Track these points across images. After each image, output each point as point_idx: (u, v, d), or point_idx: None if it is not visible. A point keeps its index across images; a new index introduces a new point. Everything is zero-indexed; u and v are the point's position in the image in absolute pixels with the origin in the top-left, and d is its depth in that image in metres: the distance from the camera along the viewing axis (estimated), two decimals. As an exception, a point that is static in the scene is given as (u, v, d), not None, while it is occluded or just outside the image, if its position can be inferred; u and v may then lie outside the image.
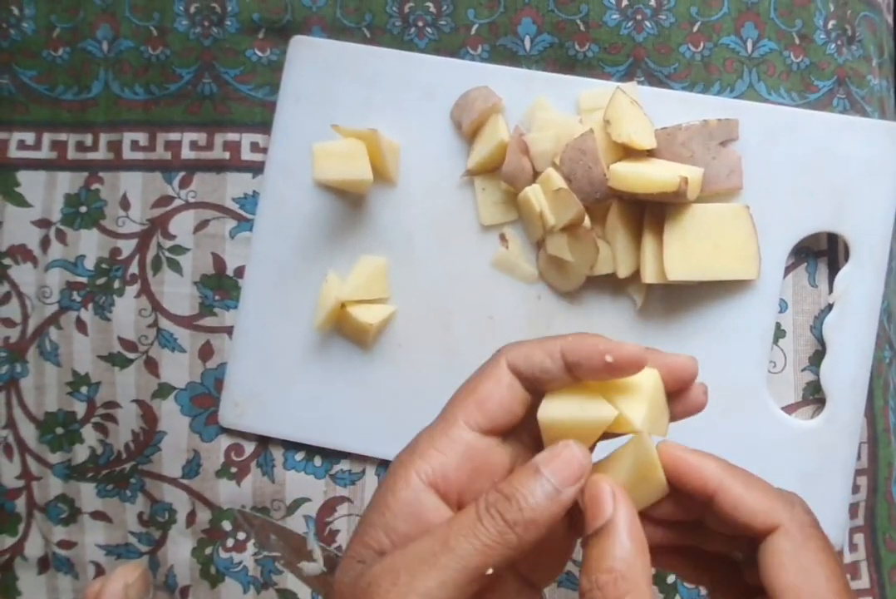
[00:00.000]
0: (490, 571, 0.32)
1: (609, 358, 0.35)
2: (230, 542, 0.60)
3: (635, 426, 0.35)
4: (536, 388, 0.37)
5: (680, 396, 0.38)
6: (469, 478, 0.36)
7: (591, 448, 0.36)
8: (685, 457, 0.37)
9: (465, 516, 0.34)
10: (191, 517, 0.60)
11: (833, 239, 0.57)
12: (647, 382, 0.36)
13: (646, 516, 0.37)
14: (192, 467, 0.60)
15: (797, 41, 0.58)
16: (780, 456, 0.56)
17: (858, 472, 0.57)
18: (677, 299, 0.56)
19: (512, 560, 0.33)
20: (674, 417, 0.38)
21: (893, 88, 0.62)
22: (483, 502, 0.34)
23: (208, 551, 0.60)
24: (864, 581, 0.58)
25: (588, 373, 0.36)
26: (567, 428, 0.35)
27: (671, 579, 0.57)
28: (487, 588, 0.34)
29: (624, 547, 0.32)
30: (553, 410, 0.36)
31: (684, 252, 0.53)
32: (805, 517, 0.35)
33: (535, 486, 0.34)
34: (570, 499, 0.34)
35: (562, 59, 0.59)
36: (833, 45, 0.59)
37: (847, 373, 0.55)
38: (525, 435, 0.39)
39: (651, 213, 0.54)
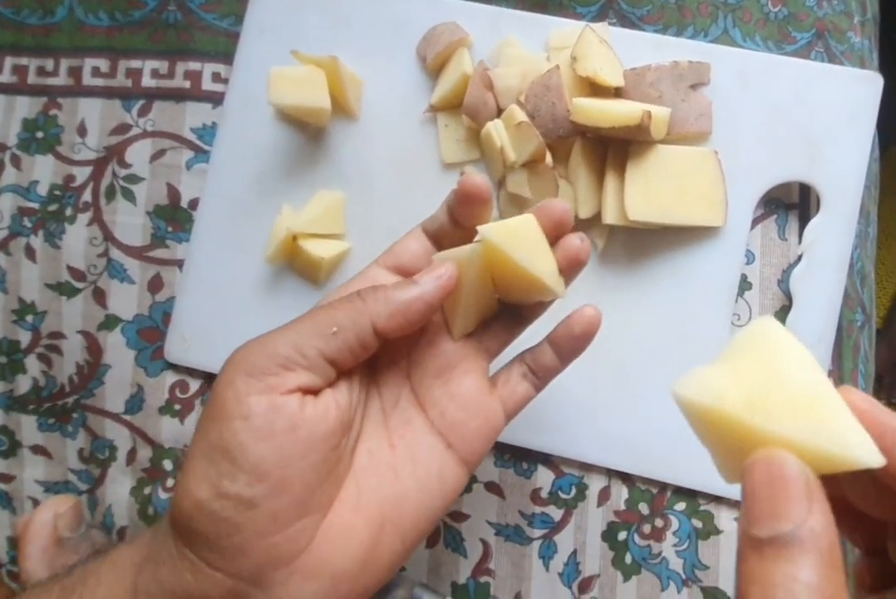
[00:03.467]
0: (335, 329, 0.36)
1: (456, 185, 0.40)
2: (170, 482, 0.58)
3: (486, 234, 0.38)
4: (440, 246, 0.43)
5: (559, 244, 0.41)
6: None
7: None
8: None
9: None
10: (131, 455, 0.59)
11: (805, 192, 0.55)
12: (517, 218, 0.39)
13: None
14: (136, 402, 0.58)
15: (776, -11, 0.57)
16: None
17: (821, 434, 0.55)
18: (640, 243, 0.54)
19: (357, 326, 0.36)
20: (563, 271, 0.41)
21: (877, 49, 0.60)
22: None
23: (147, 490, 0.58)
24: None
25: (454, 211, 0.41)
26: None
27: (622, 535, 0.55)
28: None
29: (825, 575, 0.24)
30: (443, 253, 0.41)
31: (647, 193, 0.51)
32: None
33: (400, 283, 0.38)
34: (428, 292, 0.37)
35: (533, -2, 0.57)
36: (813, -2, 0.57)
37: (814, 327, 0.53)
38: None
39: (614, 152, 0.52)
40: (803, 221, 0.55)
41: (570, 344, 0.42)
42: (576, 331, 0.42)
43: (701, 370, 0.29)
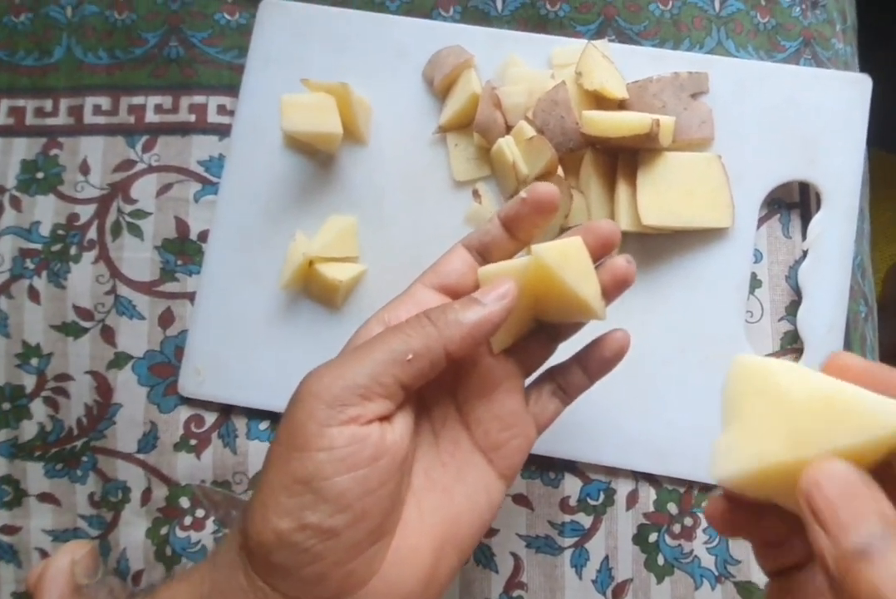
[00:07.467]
0: (410, 356, 0.36)
1: (523, 194, 0.40)
2: (188, 520, 0.56)
3: (540, 254, 0.38)
4: (487, 259, 0.42)
5: (605, 266, 0.41)
6: None
7: None
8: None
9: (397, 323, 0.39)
10: (146, 495, 0.56)
11: (805, 191, 0.57)
12: (568, 240, 0.39)
13: None
14: (149, 440, 0.57)
15: (763, 2, 0.59)
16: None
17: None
18: (652, 249, 0.55)
19: (432, 352, 0.36)
20: (606, 292, 0.41)
21: (857, 55, 0.63)
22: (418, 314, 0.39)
23: (164, 530, 0.56)
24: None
25: (515, 221, 0.41)
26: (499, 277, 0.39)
27: (653, 537, 0.54)
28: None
29: None
30: (489, 267, 0.41)
31: (658, 198, 0.52)
32: None
33: (466, 302, 0.38)
34: (495, 313, 0.37)
35: (533, 19, 0.59)
36: (798, 9, 0.60)
37: (824, 318, 0.54)
38: None
39: (624, 161, 0.54)
40: (805, 219, 0.57)
41: (600, 366, 0.44)
42: (606, 354, 0.43)
43: (721, 446, 0.30)
